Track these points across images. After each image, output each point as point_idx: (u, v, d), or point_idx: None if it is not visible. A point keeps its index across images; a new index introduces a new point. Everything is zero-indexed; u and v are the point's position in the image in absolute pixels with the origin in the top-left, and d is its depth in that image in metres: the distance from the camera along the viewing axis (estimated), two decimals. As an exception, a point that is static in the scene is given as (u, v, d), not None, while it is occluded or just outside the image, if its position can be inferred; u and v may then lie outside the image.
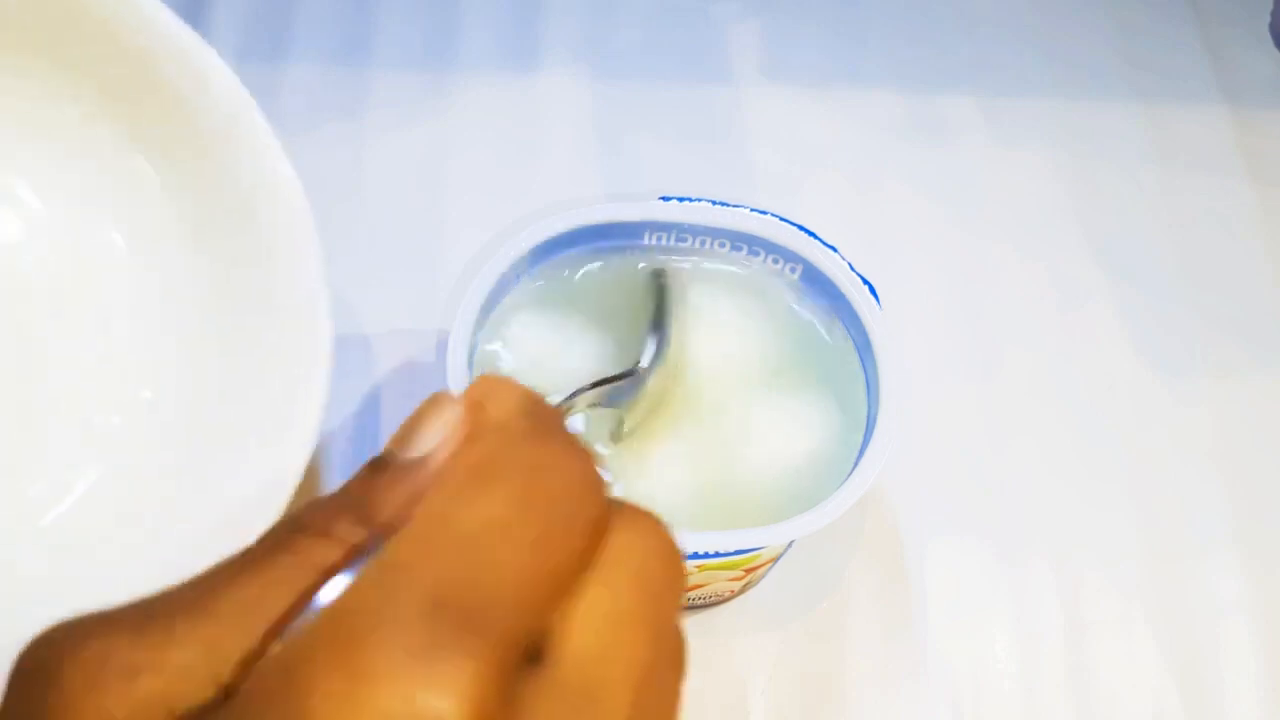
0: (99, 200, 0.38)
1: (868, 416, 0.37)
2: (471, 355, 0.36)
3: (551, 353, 0.38)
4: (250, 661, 0.18)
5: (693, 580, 0.38)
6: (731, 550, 0.34)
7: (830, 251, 0.38)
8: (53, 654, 0.18)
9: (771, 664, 0.41)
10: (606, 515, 0.21)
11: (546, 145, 0.51)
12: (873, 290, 0.38)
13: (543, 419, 0.22)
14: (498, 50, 0.53)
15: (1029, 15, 0.56)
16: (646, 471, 0.37)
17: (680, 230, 0.39)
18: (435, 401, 0.22)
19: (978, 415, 0.46)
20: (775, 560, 0.40)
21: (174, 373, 0.38)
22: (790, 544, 0.40)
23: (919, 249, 0.50)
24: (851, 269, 0.38)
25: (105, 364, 0.38)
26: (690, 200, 0.38)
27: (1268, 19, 0.57)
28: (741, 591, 0.41)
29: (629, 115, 0.52)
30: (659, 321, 0.37)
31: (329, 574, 0.19)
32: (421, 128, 0.51)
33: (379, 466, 0.22)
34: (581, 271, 0.39)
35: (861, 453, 0.35)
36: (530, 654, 0.18)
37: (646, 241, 0.39)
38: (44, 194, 0.38)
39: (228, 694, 0.18)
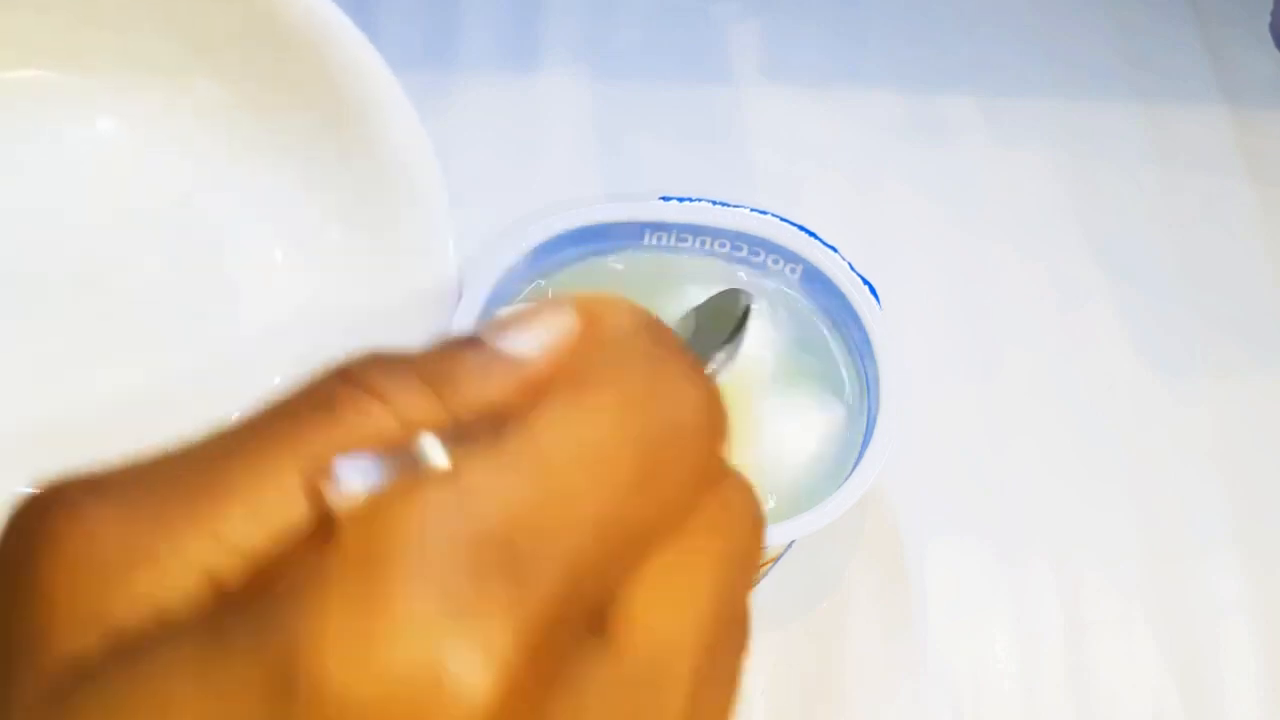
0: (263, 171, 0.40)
1: (868, 416, 0.37)
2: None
3: None
4: (261, 560, 0.15)
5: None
6: (731, 550, 0.34)
7: (830, 251, 0.38)
8: (34, 534, 0.15)
9: (771, 664, 0.41)
10: (716, 469, 0.17)
11: (546, 145, 0.51)
12: (873, 290, 0.38)
13: (665, 339, 0.18)
14: (498, 50, 0.53)
15: (1029, 15, 0.56)
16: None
17: (680, 230, 0.39)
18: (545, 304, 0.18)
19: (978, 415, 0.46)
20: (775, 560, 0.40)
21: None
22: (790, 544, 0.40)
23: (919, 249, 0.50)
24: (851, 269, 0.38)
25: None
26: (690, 200, 0.38)
27: (1268, 19, 0.57)
28: (741, 591, 0.41)
29: (629, 115, 0.52)
30: (731, 339, 0.36)
31: (378, 451, 0.15)
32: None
33: (462, 344, 0.18)
34: (581, 273, 0.39)
35: (861, 453, 0.35)
36: (593, 617, 0.16)
37: (646, 241, 0.39)
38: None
39: (225, 599, 0.15)
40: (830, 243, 0.38)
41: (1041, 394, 0.47)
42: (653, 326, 0.18)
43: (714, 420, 0.17)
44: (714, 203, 0.38)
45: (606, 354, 0.17)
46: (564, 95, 0.52)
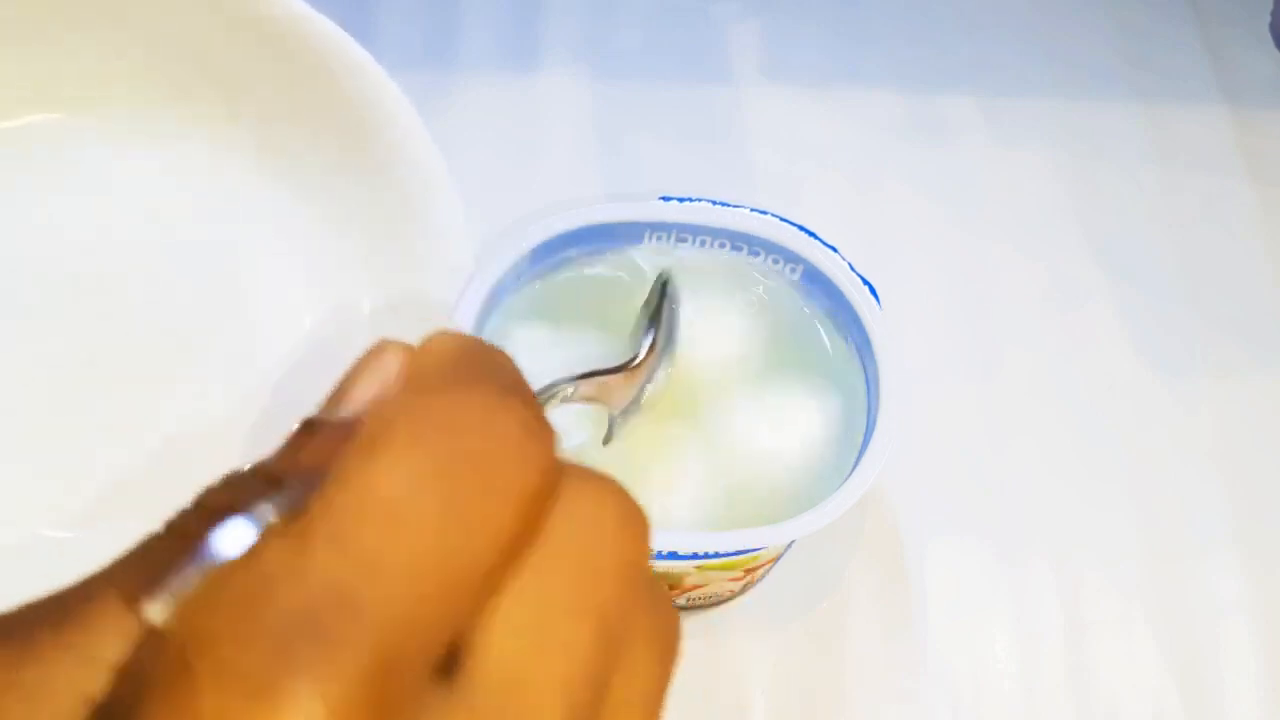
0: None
1: (868, 416, 0.37)
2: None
3: (555, 363, 0.38)
4: (123, 668, 0.15)
5: (692, 580, 0.38)
6: (731, 550, 0.34)
7: (830, 251, 0.38)
8: None
9: (771, 664, 0.41)
10: (551, 483, 0.16)
11: (546, 145, 0.51)
12: (873, 290, 0.38)
13: (476, 366, 0.17)
14: (498, 50, 0.53)
15: (1029, 15, 0.56)
16: (642, 475, 0.37)
17: (680, 230, 0.39)
18: (368, 355, 0.18)
19: (978, 415, 0.46)
20: (775, 560, 0.40)
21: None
22: (790, 544, 0.40)
23: (919, 249, 0.50)
24: (851, 269, 0.38)
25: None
26: (690, 200, 0.38)
27: (1268, 19, 0.57)
28: (741, 592, 0.41)
29: (629, 115, 0.52)
30: (656, 319, 0.36)
31: (184, 554, 0.15)
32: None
33: (308, 430, 0.18)
34: (581, 274, 0.39)
35: (861, 453, 0.35)
36: (444, 665, 0.15)
37: (646, 241, 0.39)
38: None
39: (101, 709, 0.15)
40: (830, 243, 0.38)
41: (1041, 394, 0.47)
42: (465, 355, 0.18)
43: (526, 436, 0.16)
44: (714, 203, 0.38)
45: (411, 399, 0.17)
46: (564, 95, 0.52)
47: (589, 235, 0.38)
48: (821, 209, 0.50)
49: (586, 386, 0.34)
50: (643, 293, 0.38)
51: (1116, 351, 0.48)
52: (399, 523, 0.15)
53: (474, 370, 0.17)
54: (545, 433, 0.17)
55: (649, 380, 0.36)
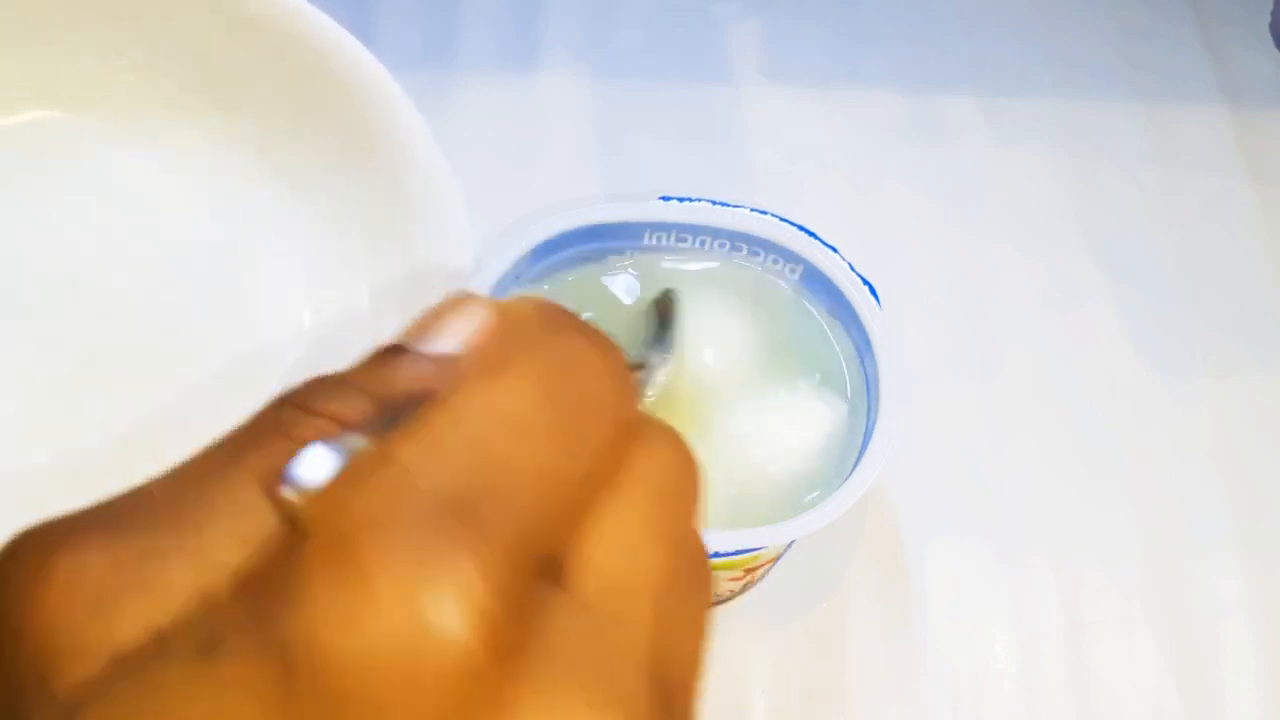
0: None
1: (868, 416, 0.37)
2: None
3: None
4: (244, 570, 0.16)
5: (693, 580, 0.38)
6: (731, 550, 0.34)
7: (830, 251, 0.38)
8: (28, 573, 0.16)
9: (771, 663, 0.41)
10: (633, 421, 0.19)
11: (546, 145, 0.51)
12: (873, 290, 0.38)
13: (565, 318, 0.20)
14: (498, 50, 0.53)
15: (1029, 15, 0.56)
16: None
17: (680, 230, 0.39)
18: (458, 299, 0.20)
19: (978, 415, 0.46)
20: (775, 560, 0.40)
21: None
22: (790, 544, 0.40)
23: (919, 249, 0.50)
24: (851, 269, 0.38)
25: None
26: (690, 200, 0.38)
27: (1268, 19, 0.57)
28: (741, 592, 0.41)
29: (629, 115, 0.52)
30: (665, 325, 0.37)
31: (319, 450, 0.17)
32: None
33: (389, 353, 0.20)
34: (576, 278, 0.39)
35: (861, 453, 0.35)
36: (549, 569, 0.17)
37: (646, 241, 0.39)
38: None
39: (217, 609, 0.16)
40: (830, 243, 0.38)
41: (1041, 394, 0.47)
42: (554, 310, 0.20)
43: (620, 380, 0.19)
44: (714, 203, 0.38)
45: (516, 338, 0.19)
46: (564, 95, 0.52)
47: (589, 235, 0.38)
48: (821, 209, 0.50)
49: None
50: (646, 303, 0.38)
51: (1116, 351, 0.48)
52: (523, 433, 0.17)
53: (566, 321, 0.20)
54: (631, 377, 0.19)
55: (650, 387, 0.36)
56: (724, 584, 0.39)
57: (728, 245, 0.39)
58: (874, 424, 0.36)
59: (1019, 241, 0.50)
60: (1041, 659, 0.42)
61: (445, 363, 0.19)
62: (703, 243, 0.39)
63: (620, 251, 0.39)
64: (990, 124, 0.53)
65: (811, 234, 0.38)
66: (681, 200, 0.38)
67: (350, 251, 0.41)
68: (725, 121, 0.52)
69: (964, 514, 0.44)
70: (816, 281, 0.38)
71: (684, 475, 0.19)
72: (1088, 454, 0.46)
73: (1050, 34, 0.56)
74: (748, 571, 0.38)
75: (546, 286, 0.39)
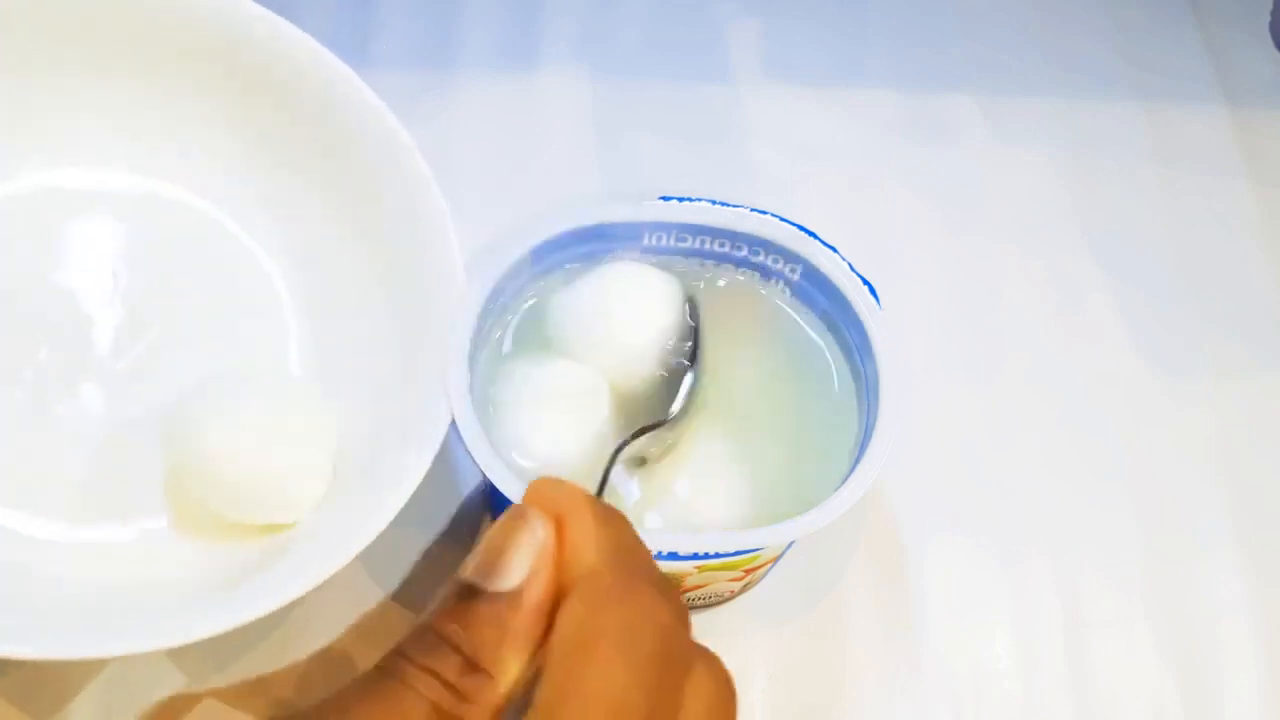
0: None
1: (868, 416, 0.37)
2: (476, 354, 0.36)
3: (552, 393, 0.37)
4: None
5: (692, 580, 0.38)
6: (731, 550, 0.34)
7: (830, 251, 0.38)
8: None
9: (771, 664, 0.41)
10: (691, 655, 0.22)
11: (546, 144, 0.51)
12: (873, 290, 0.38)
13: (626, 555, 0.23)
14: (498, 49, 0.53)
15: (1029, 15, 0.56)
16: (664, 489, 0.37)
17: (680, 230, 0.39)
18: (515, 524, 0.23)
19: (978, 415, 0.46)
20: (775, 560, 0.40)
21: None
22: (790, 544, 0.40)
23: (919, 249, 0.50)
24: (851, 269, 0.38)
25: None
26: (690, 200, 0.38)
27: (1268, 19, 0.57)
28: (741, 591, 0.41)
29: (629, 114, 0.52)
30: (688, 335, 0.37)
31: (437, 711, 0.21)
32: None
33: (466, 595, 0.22)
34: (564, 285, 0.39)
35: (861, 453, 0.35)
36: None
37: (646, 241, 0.39)
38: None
39: None
40: (830, 243, 0.38)
41: (1041, 393, 0.47)
42: (613, 540, 0.23)
43: (683, 621, 0.22)
44: (714, 203, 0.38)
45: (593, 594, 0.22)
46: (564, 94, 0.52)
47: (589, 235, 0.38)
48: (821, 209, 0.50)
49: (636, 444, 0.35)
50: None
51: (1116, 351, 0.48)
52: (622, 714, 0.20)
53: (627, 561, 0.23)
54: (686, 615, 0.23)
55: (679, 400, 0.37)
56: (724, 584, 0.39)
57: (728, 245, 0.39)
58: (874, 424, 0.36)
59: (1019, 241, 0.50)
60: (1041, 658, 0.42)
61: (521, 604, 0.22)
62: (702, 243, 0.39)
63: (620, 252, 0.39)
64: (990, 124, 0.53)
65: (811, 234, 0.38)
66: (681, 200, 0.38)
67: (349, 251, 0.41)
68: (725, 120, 0.52)
69: (963, 513, 0.44)
70: (816, 281, 0.38)
71: (726, 706, 0.22)
72: (1087, 454, 0.46)
73: (1050, 34, 0.56)
74: (748, 572, 0.38)
75: (535, 300, 0.39)
